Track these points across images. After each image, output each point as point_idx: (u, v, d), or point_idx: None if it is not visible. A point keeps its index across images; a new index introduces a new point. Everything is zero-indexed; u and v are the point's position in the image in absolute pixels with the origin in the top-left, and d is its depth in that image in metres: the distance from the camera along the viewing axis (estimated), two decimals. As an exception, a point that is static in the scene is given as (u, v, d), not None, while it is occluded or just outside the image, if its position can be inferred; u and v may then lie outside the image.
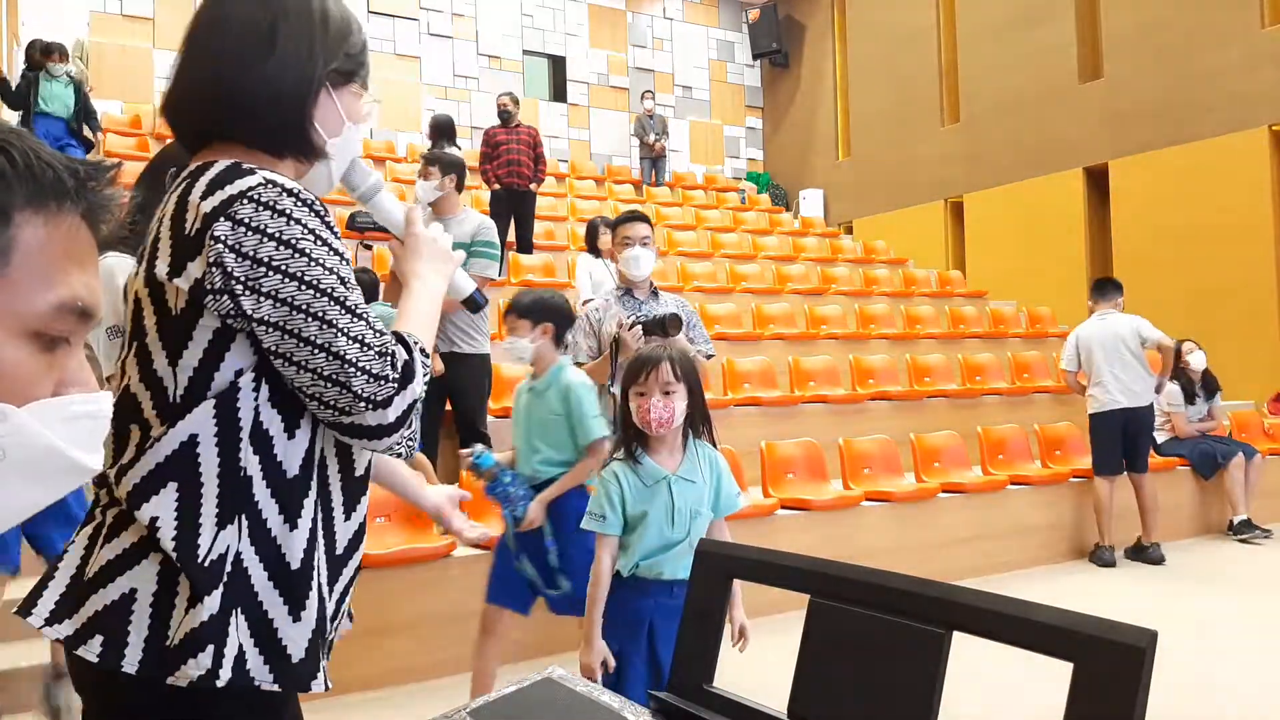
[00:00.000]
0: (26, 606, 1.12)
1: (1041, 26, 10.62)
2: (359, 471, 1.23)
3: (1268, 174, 8.50)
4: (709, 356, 3.70)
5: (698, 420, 2.44)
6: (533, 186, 8.28)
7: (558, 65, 13.74)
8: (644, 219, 3.85)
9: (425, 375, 1.19)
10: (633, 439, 2.37)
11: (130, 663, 1.06)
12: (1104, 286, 6.01)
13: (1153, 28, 9.44)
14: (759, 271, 9.28)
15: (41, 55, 8.23)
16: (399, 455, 1.19)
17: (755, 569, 1.21)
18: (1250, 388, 7.99)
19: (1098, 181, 10.11)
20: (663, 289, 7.79)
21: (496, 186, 8.15)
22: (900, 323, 8.50)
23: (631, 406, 2.34)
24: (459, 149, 8.33)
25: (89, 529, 1.15)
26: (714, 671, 1.09)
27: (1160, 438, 6.52)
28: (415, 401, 1.16)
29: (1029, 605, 0.85)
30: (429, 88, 12.62)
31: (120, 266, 1.71)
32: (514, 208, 8.20)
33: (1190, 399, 6.49)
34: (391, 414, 1.12)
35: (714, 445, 2.52)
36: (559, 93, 13.72)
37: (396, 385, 1.12)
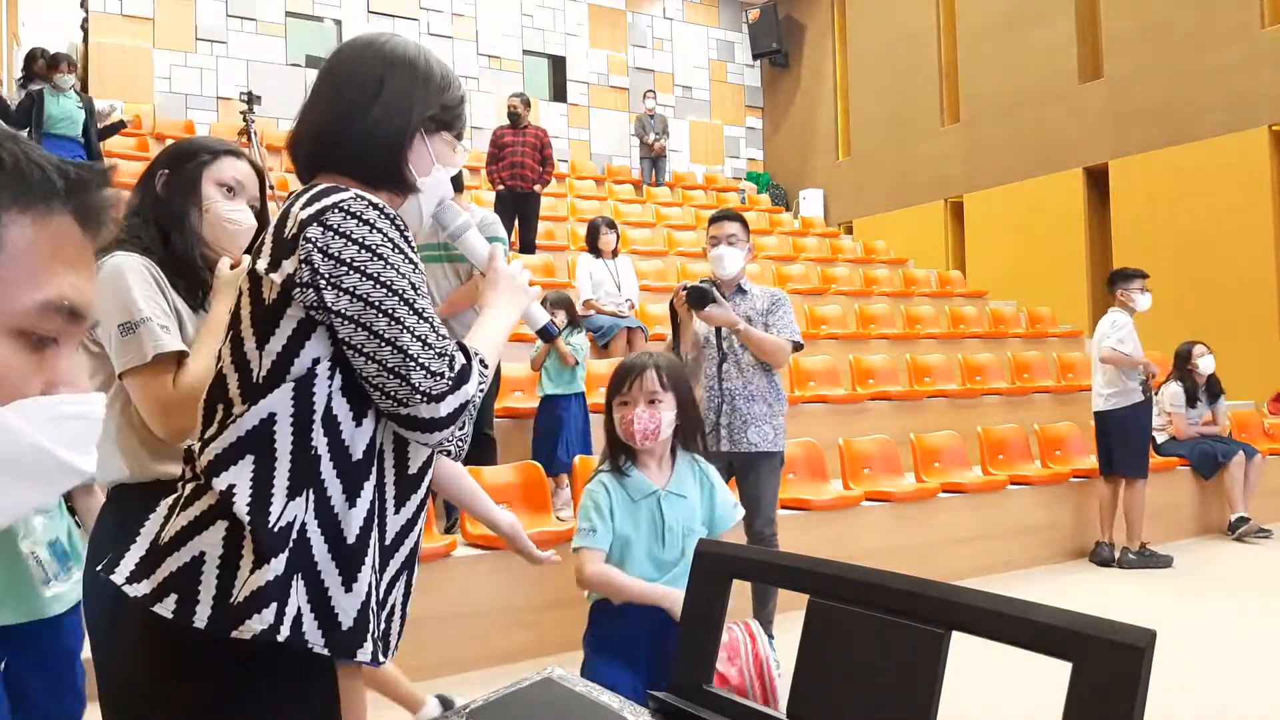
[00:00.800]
0: (110, 566, 1.25)
1: (1041, 26, 10.61)
2: (413, 470, 1.34)
3: (1268, 174, 8.50)
4: (797, 346, 3.69)
5: (689, 431, 2.29)
6: (537, 188, 8.25)
7: (558, 65, 13.74)
8: (732, 218, 3.85)
9: (482, 384, 1.31)
10: (619, 451, 2.21)
11: (200, 618, 1.18)
12: (1108, 281, 5.97)
13: (1153, 28, 9.44)
14: (759, 271, 9.26)
15: (47, 67, 7.39)
16: (449, 453, 1.31)
17: (755, 569, 1.21)
18: (1250, 388, 7.98)
19: (1098, 181, 10.11)
20: (660, 288, 7.72)
21: (500, 188, 8.16)
22: (900, 323, 8.50)
23: (615, 417, 2.19)
24: None
25: (169, 500, 1.29)
26: (714, 671, 1.09)
27: (1160, 438, 6.52)
28: (468, 403, 1.28)
29: (1029, 605, 0.85)
30: (429, 88, 12.62)
31: (129, 265, 1.71)
32: (518, 209, 8.19)
33: (1192, 402, 6.49)
34: (444, 409, 1.24)
35: (705, 456, 2.36)
36: (559, 93, 13.71)
37: (451, 384, 1.25)
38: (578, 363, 5.05)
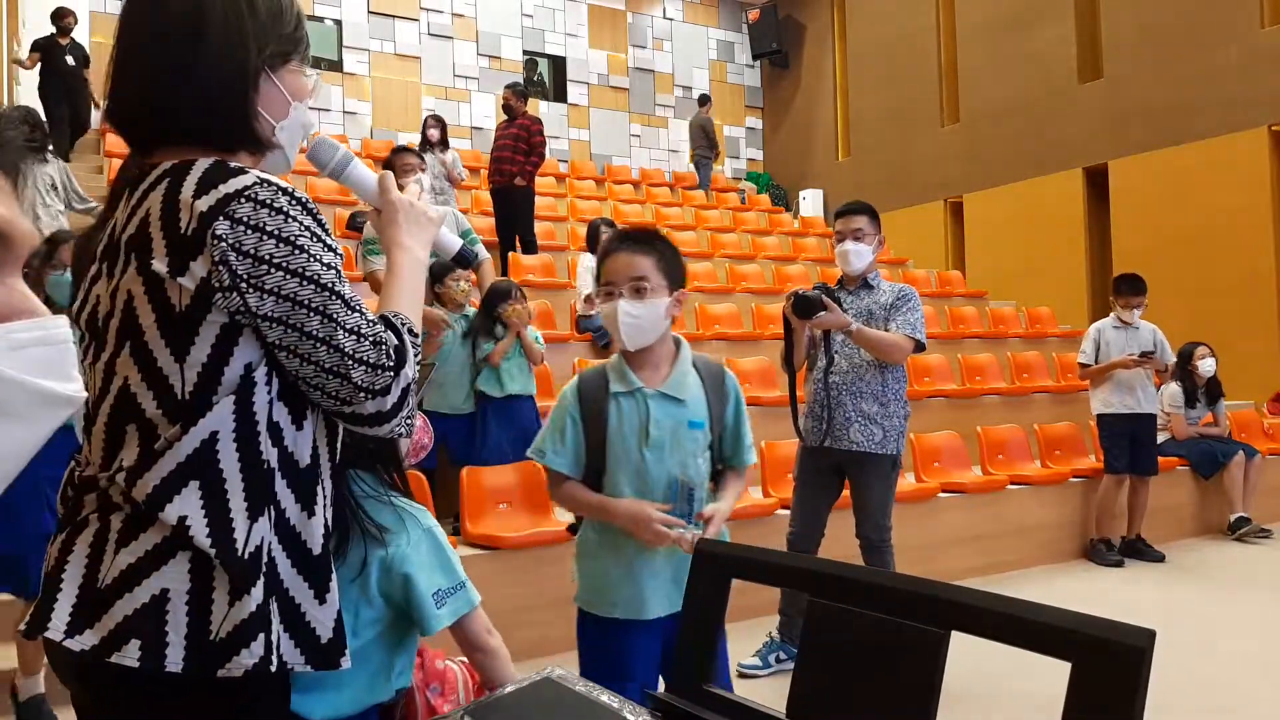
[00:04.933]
0: (37, 625, 1.09)
1: (1041, 26, 10.62)
2: (336, 459, 1.28)
3: (1267, 174, 8.50)
4: (919, 345, 3.60)
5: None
6: (518, 181, 7.77)
7: (558, 65, 13.74)
8: (860, 210, 3.68)
9: (416, 355, 1.21)
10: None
11: (174, 661, 1.06)
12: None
13: (1152, 28, 9.44)
14: (759, 271, 9.28)
15: (41, 263, 5.45)
16: (400, 436, 1.22)
17: (755, 569, 1.21)
18: (1250, 388, 7.99)
19: (1097, 182, 10.11)
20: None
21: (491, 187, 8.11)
22: (900, 323, 8.48)
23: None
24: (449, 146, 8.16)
25: (86, 535, 1.12)
26: (714, 671, 1.09)
27: (1160, 438, 6.53)
28: (410, 385, 1.18)
29: (1028, 605, 0.85)
30: (429, 88, 12.63)
31: None
32: (504, 206, 7.99)
33: (1191, 402, 6.49)
34: (389, 401, 1.15)
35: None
36: (559, 93, 13.72)
37: (393, 373, 1.15)
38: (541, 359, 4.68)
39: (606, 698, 1.05)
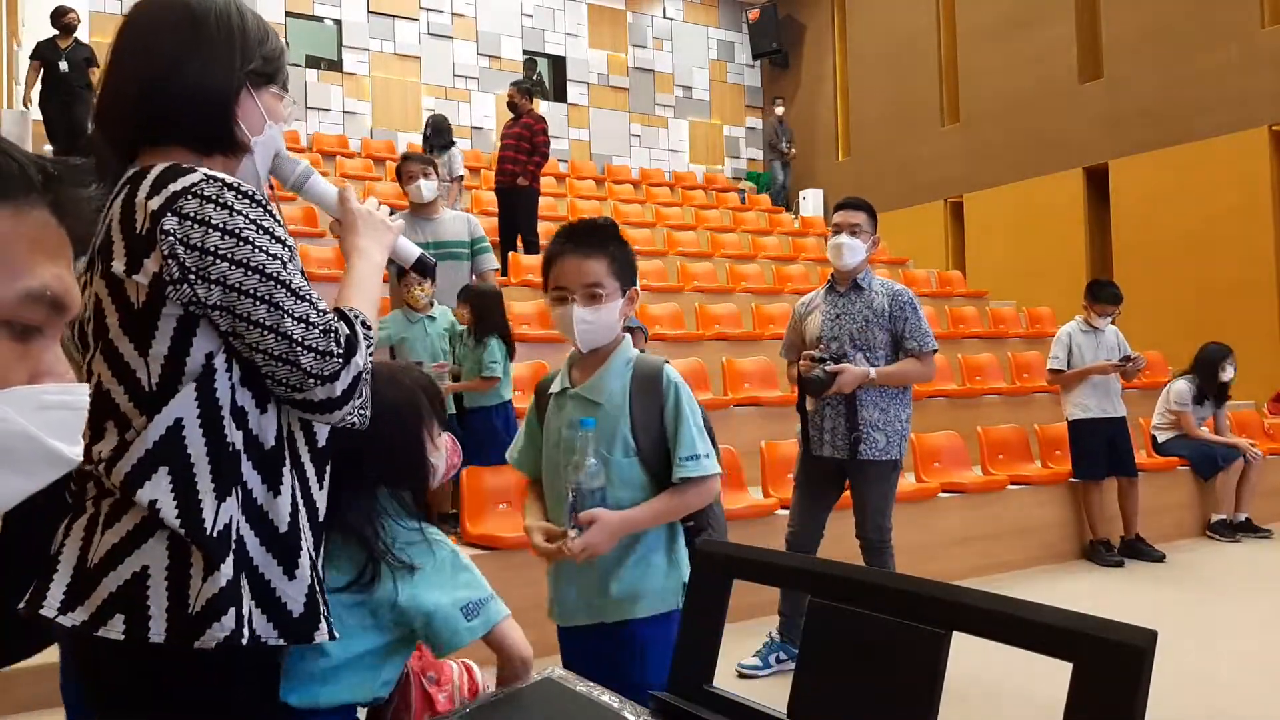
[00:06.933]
0: (35, 602, 1.16)
1: (1041, 26, 10.61)
2: (321, 444, 1.32)
3: (1267, 174, 8.49)
4: (928, 351, 3.53)
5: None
6: (520, 181, 7.75)
7: (558, 65, 13.74)
8: (859, 206, 3.60)
9: (370, 347, 1.26)
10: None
11: (156, 632, 1.12)
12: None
13: (1153, 28, 9.44)
14: (759, 271, 9.28)
15: None
16: (353, 425, 1.26)
17: (755, 569, 1.21)
18: (1250, 388, 7.98)
19: (1097, 181, 10.11)
20: (659, 289, 7.63)
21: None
22: (900, 323, 8.47)
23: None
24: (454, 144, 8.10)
25: (83, 520, 1.20)
26: (714, 671, 1.09)
27: (1162, 436, 6.52)
28: (361, 373, 1.23)
29: (1029, 605, 0.85)
30: (428, 87, 12.62)
31: None
32: (506, 207, 8.00)
33: (1201, 400, 6.48)
34: (339, 387, 1.20)
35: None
36: (559, 93, 13.71)
37: (342, 360, 1.20)
38: (499, 378, 4.36)
39: (607, 698, 1.05)
